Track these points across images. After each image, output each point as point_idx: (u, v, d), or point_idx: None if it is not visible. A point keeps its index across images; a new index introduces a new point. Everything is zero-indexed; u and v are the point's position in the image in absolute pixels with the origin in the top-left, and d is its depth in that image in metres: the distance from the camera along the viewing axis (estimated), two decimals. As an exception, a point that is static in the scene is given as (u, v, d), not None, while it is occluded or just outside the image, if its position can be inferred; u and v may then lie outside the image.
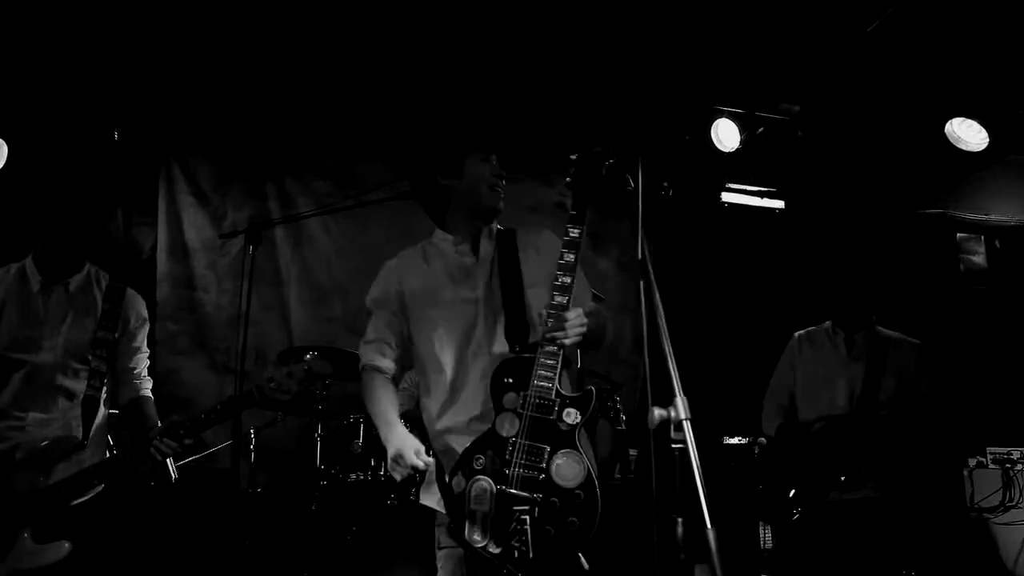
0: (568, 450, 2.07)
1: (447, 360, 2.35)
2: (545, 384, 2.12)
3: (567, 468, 2.05)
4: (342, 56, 5.06)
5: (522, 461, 2.09)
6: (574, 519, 2.01)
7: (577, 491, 2.03)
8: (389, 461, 2.22)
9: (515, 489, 2.06)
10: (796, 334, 4.24)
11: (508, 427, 2.14)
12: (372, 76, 5.28)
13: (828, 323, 4.14)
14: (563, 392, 2.14)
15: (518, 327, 2.28)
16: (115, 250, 5.52)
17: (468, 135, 5.71)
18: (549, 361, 2.14)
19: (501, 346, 2.30)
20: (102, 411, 2.81)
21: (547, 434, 2.10)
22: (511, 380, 2.19)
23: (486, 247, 2.46)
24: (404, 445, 2.21)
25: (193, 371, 5.68)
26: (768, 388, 4.26)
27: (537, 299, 2.31)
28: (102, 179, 3.12)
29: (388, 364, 2.46)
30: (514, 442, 2.11)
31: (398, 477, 2.22)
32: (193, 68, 5.09)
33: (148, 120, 5.57)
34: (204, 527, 4.40)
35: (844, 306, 4.05)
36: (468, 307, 2.37)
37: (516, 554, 2.01)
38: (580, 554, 2.06)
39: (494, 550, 2.04)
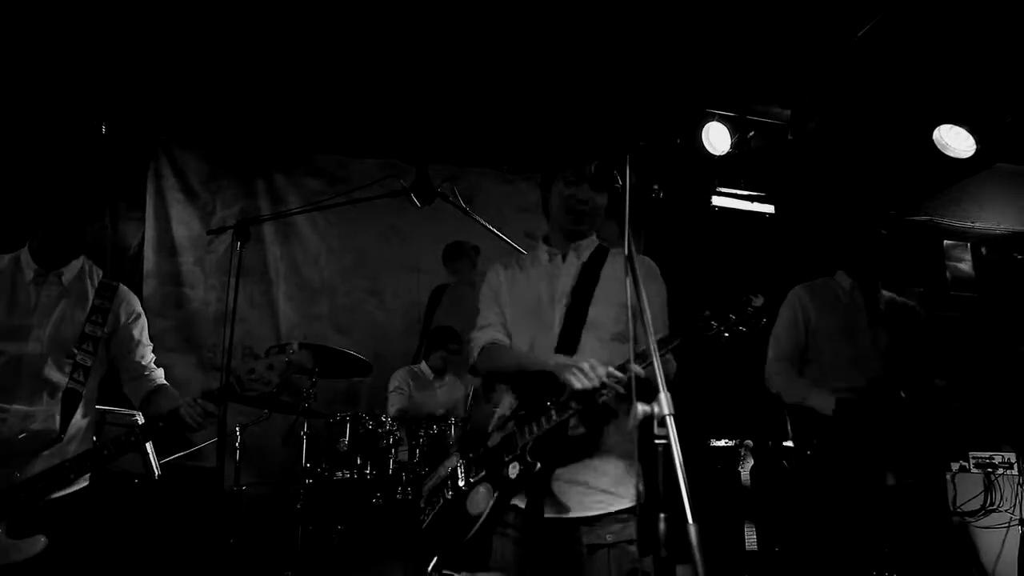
0: (489, 486, 2.31)
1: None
2: (527, 433, 2.28)
3: (478, 498, 2.31)
4: (334, 53, 5.04)
5: (468, 464, 2.42)
6: (460, 525, 2.32)
7: (472, 515, 2.30)
8: (573, 373, 2.16)
9: (450, 477, 2.45)
10: (797, 288, 3.78)
11: (492, 440, 2.41)
12: (365, 74, 5.26)
13: (841, 278, 3.75)
14: (529, 448, 2.26)
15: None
16: (102, 245, 5.49)
17: (463, 137, 5.75)
18: (544, 421, 2.25)
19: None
20: (86, 406, 2.78)
21: (493, 464, 2.35)
22: (523, 412, 2.35)
23: (572, 263, 2.54)
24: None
25: (180, 368, 5.65)
26: (774, 350, 3.75)
27: (601, 319, 2.41)
28: (94, 171, 3.10)
29: (503, 339, 2.58)
30: (481, 451, 2.41)
31: (583, 383, 2.15)
32: (183, 63, 5.06)
33: (136, 115, 5.55)
34: (188, 525, 4.37)
35: (869, 263, 3.68)
36: (547, 327, 2.45)
37: (421, 516, 2.50)
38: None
39: (422, 503, 2.55)
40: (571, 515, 2.27)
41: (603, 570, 2.22)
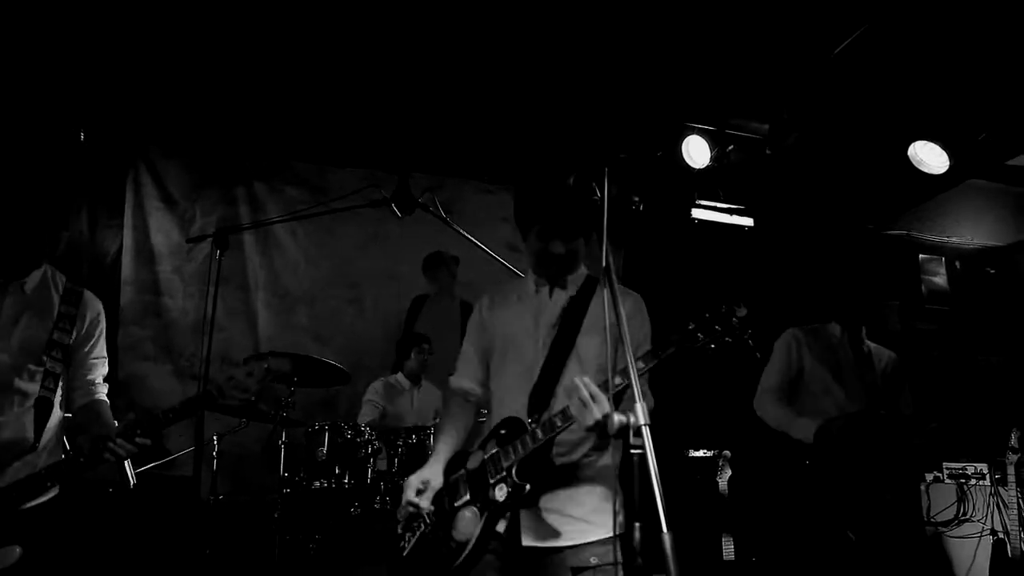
0: (476, 509, 2.27)
1: (502, 392, 2.50)
2: (511, 453, 2.26)
3: (464, 523, 2.28)
4: (316, 63, 5.05)
5: (450, 487, 2.40)
6: (446, 552, 2.29)
7: (459, 541, 2.27)
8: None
9: (433, 505, 2.40)
10: (793, 330, 4.09)
11: (471, 461, 2.39)
12: (347, 84, 5.27)
13: (833, 328, 4.08)
14: (515, 469, 2.23)
15: (540, 399, 2.35)
16: (79, 252, 5.44)
17: (444, 147, 5.73)
18: (529, 440, 2.24)
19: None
20: (57, 413, 2.74)
21: (477, 486, 2.32)
22: (504, 432, 2.33)
23: (560, 296, 2.51)
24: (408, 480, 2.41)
25: (158, 377, 5.61)
26: (766, 386, 4.03)
27: (586, 350, 2.39)
28: (62, 179, 3.03)
29: (469, 384, 2.62)
30: (461, 474, 2.39)
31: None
32: (164, 71, 5.05)
33: (117, 122, 5.52)
34: (164, 535, 4.33)
35: (856, 310, 4.05)
36: (529, 355, 2.44)
37: (401, 543, 2.44)
38: None
39: (399, 530, 2.47)
40: (550, 544, 2.26)
41: None
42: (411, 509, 2.39)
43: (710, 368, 5.62)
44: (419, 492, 2.39)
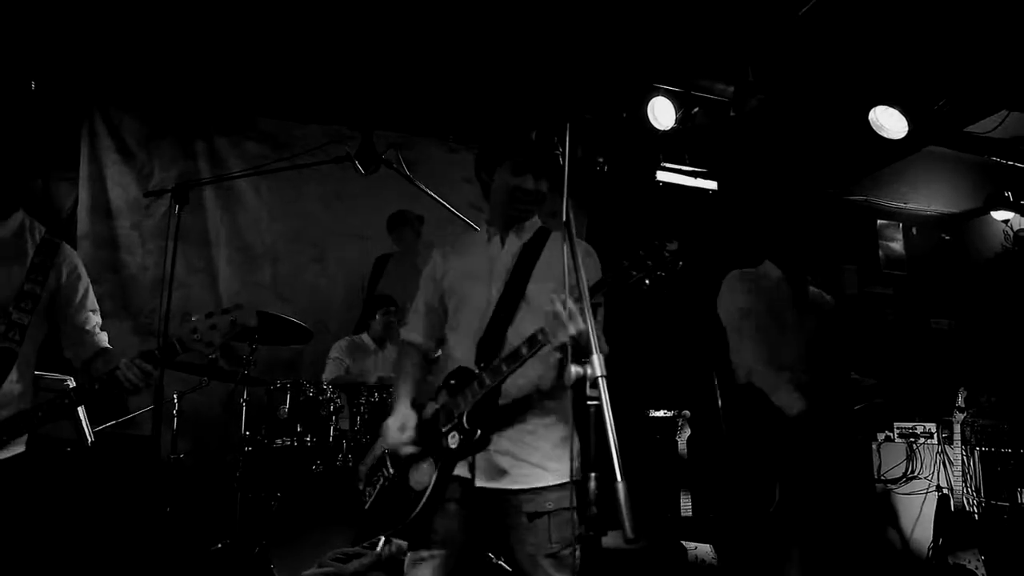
0: (431, 460, 2.31)
1: (454, 339, 2.50)
2: (461, 401, 2.30)
3: (420, 472, 2.32)
4: (280, 15, 4.92)
5: None
6: (404, 502, 2.33)
7: (416, 491, 2.31)
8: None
9: (388, 454, 2.47)
10: (735, 272, 3.72)
11: (425, 412, 2.42)
12: (311, 38, 5.15)
13: (769, 268, 3.74)
14: (465, 416, 2.27)
15: (489, 347, 2.36)
16: (33, 206, 5.29)
17: (409, 105, 5.62)
18: (476, 387, 2.27)
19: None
20: (23, 368, 2.64)
21: (430, 437, 2.34)
22: (454, 382, 2.37)
23: (513, 243, 2.52)
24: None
25: (116, 335, 5.39)
26: (753, 352, 3.52)
27: (536, 297, 2.38)
28: (27, 126, 2.93)
29: (418, 338, 2.61)
30: (416, 422, 2.39)
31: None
32: (122, 18, 4.87)
33: (71, 71, 5.33)
34: (124, 494, 4.30)
35: (800, 259, 3.71)
36: (482, 303, 2.44)
37: (363, 497, 2.52)
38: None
39: (361, 486, 2.55)
40: (504, 486, 2.28)
41: (545, 536, 2.23)
42: (405, 448, 2.35)
43: (671, 328, 5.70)
44: (402, 429, 2.37)
